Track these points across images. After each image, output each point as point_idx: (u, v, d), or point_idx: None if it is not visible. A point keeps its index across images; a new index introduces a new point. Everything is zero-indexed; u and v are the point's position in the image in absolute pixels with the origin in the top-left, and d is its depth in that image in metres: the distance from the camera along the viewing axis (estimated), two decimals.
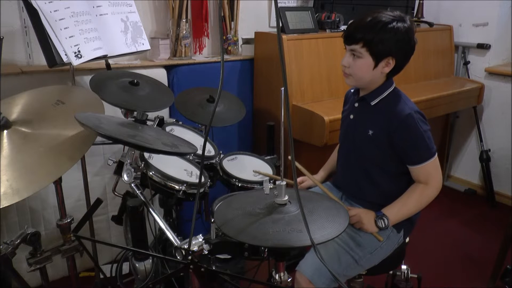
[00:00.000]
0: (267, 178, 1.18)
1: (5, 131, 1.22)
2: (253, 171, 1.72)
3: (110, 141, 1.18)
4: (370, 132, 1.43)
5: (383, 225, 1.40)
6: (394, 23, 1.33)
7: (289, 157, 1.43)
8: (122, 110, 1.69)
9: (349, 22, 1.48)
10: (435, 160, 1.40)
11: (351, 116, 1.52)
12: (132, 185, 1.44)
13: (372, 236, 1.43)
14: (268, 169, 1.79)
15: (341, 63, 1.43)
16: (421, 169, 1.40)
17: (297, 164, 1.53)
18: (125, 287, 1.57)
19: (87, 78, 1.79)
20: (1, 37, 1.32)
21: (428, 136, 1.39)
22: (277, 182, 1.07)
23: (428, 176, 1.40)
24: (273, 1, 1.47)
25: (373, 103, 1.44)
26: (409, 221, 1.49)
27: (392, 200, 1.44)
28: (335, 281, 1.36)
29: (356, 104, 1.51)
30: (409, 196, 1.43)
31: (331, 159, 1.76)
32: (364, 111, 1.48)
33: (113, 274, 1.47)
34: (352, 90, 1.60)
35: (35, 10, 1.47)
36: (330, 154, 1.78)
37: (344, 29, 1.47)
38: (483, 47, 3.09)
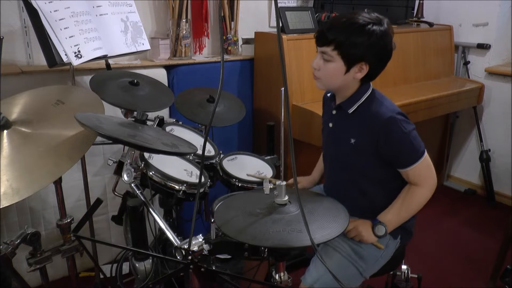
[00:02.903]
0: (267, 178, 1.18)
1: (5, 131, 1.22)
2: (247, 174, 1.69)
3: (110, 141, 1.18)
4: (352, 140, 1.36)
5: (382, 233, 1.36)
6: (370, 26, 1.24)
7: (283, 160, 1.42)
8: (122, 110, 1.69)
9: (322, 22, 1.41)
10: (425, 160, 1.33)
11: (330, 124, 1.45)
12: (132, 185, 1.44)
13: (374, 247, 1.39)
14: (268, 169, 1.79)
15: (311, 65, 1.34)
16: (412, 171, 1.33)
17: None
18: (125, 287, 1.58)
19: (87, 78, 1.79)
20: (1, 37, 1.32)
21: (414, 136, 1.31)
22: (277, 182, 1.07)
23: (420, 177, 1.34)
24: (273, 1, 1.46)
25: (350, 111, 1.36)
26: (404, 230, 1.45)
27: (382, 207, 1.39)
28: None
29: (334, 112, 1.43)
30: (403, 199, 1.37)
31: (321, 160, 1.72)
32: (342, 119, 1.40)
33: (113, 274, 1.48)
34: (328, 95, 1.51)
35: (35, 10, 1.47)
36: None
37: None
38: (483, 47, 3.09)
